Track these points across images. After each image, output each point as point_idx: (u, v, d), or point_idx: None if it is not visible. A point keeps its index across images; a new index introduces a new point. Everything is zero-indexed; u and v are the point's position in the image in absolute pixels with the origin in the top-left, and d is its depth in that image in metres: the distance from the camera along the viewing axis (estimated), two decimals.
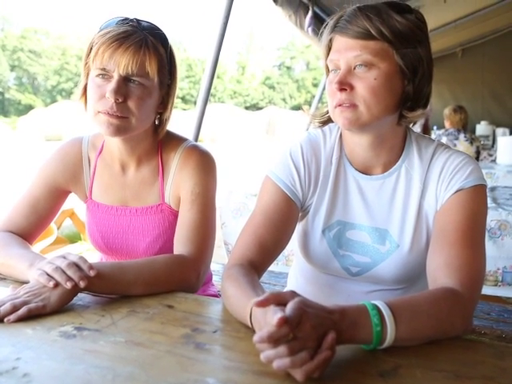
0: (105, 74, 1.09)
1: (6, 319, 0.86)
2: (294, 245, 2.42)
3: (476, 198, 0.98)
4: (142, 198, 1.24)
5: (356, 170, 1.08)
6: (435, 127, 5.95)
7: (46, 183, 1.23)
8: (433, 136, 4.84)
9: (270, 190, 1.07)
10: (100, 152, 1.25)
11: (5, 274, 1.10)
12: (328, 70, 1.05)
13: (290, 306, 0.69)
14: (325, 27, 1.03)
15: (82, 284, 0.93)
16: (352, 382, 0.71)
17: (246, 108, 35.74)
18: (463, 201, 0.97)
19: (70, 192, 1.28)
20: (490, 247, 2.14)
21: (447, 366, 0.77)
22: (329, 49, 1.02)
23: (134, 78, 1.09)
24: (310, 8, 2.89)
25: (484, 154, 5.33)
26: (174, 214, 1.22)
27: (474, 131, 6.36)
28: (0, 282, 1.08)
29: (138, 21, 1.13)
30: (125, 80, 1.09)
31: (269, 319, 0.69)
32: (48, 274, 0.93)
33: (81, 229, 4.21)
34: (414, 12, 0.99)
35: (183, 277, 1.07)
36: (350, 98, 0.96)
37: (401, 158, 1.06)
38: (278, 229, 1.04)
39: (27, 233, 1.21)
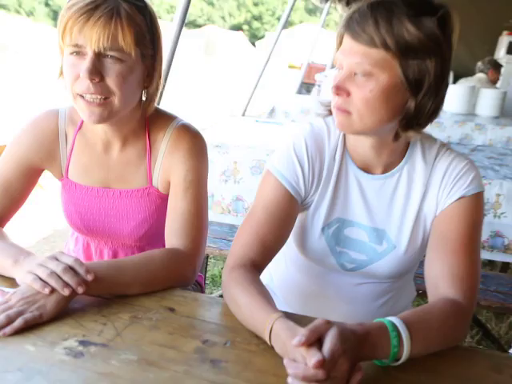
0: (78, 52, 0.98)
1: (1, 332, 0.82)
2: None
3: (477, 206, 1.01)
4: (126, 180, 1.17)
5: (358, 167, 1.07)
6: None
7: (19, 163, 1.13)
8: None
9: (272, 186, 1.04)
10: (79, 128, 1.15)
11: None
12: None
13: (328, 347, 0.70)
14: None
15: (80, 290, 0.89)
16: None
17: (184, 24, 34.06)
18: (465, 209, 1.00)
19: (44, 170, 1.19)
20: None
21: (453, 382, 0.82)
22: (340, 43, 0.97)
23: (108, 53, 0.98)
24: None
25: None
26: (162, 198, 1.17)
27: None
28: None
29: None
30: (99, 56, 0.98)
31: (311, 360, 0.69)
32: (42, 280, 0.88)
33: None
34: (440, 14, 0.93)
35: (180, 273, 1.05)
36: (345, 105, 0.94)
37: (403, 160, 1.06)
38: (280, 227, 1.03)
39: (0, 217, 1.13)
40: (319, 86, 6.21)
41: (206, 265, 2.48)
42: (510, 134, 3.89)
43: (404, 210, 1.06)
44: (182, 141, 1.14)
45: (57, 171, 1.19)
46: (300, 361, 0.71)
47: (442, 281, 0.96)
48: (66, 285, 0.88)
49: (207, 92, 12.94)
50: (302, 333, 0.72)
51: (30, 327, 0.85)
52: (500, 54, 6.17)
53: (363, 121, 0.94)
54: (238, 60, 21.72)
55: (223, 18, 41.70)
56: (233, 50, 23.89)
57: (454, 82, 5.96)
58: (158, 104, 1.24)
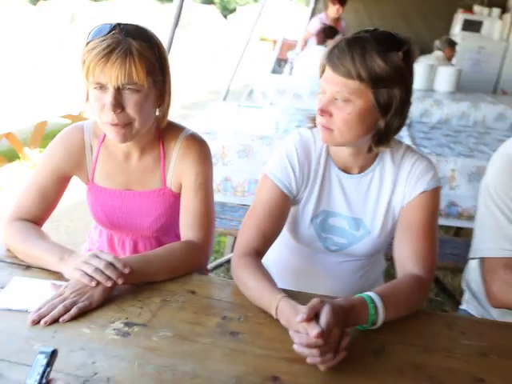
0: (101, 87, 1.09)
1: (61, 319, 0.96)
2: (243, 178, 2.58)
3: (435, 199, 1.17)
4: (144, 183, 1.30)
5: (339, 169, 1.22)
6: None
7: (53, 172, 1.25)
8: None
9: (269, 187, 1.19)
10: (102, 141, 1.27)
11: (31, 263, 1.15)
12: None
13: (324, 320, 0.86)
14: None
15: (119, 281, 1.03)
16: (353, 361, 0.91)
17: None
18: (426, 201, 1.16)
19: (73, 176, 1.31)
20: None
21: (417, 340, 1.00)
22: (323, 71, 1.11)
23: (126, 86, 1.09)
24: None
25: None
26: (175, 196, 1.30)
27: None
28: (26, 272, 1.13)
29: (120, 28, 1.10)
30: (119, 90, 1.09)
31: (312, 333, 0.84)
32: (88, 275, 1.02)
33: (18, 148, 4.03)
34: (404, 47, 1.06)
35: (196, 261, 1.20)
36: (328, 124, 1.09)
37: (376, 162, 1.21)
38: (276, 221, 1.18)
39: (38, 218, 1.24)
40: (291, 63, 6.27)
41: None
42: (464, 108, 4.04)
43: (377, 203, 1.22)
44: (191, 149, 1.27)
45: (84, 177, 1.31)
46: (303, 332, 0.87)
47: (407, 261, 1.13)
48: (108, 278, 1.02)
49: (184, 65, 12.73)
50: (303, 311, 0.88)
51: (83, 314, 0.98)
52: (455, 30, 6.31)
53: (343, 136, 1.09)
54: (211, 33, 21.27)
55: None
56: (205, 23, 23.34)
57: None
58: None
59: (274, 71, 7.03)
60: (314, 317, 0.88)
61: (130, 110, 1.11)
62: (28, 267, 1.15)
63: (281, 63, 8.28)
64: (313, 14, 7.06)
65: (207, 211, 1.25)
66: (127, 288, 1.08)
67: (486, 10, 6.20)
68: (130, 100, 1.10)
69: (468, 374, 0.91)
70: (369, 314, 0.96)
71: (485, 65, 6.11)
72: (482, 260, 1.21)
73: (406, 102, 1.10)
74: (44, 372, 0.72)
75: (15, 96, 4.29)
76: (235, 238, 2.65)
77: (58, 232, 3.16)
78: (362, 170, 1.22)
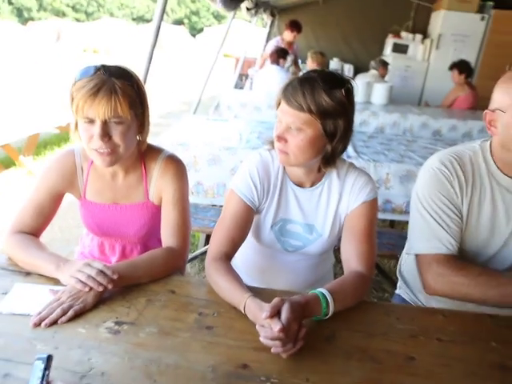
0: (90, 121, 1.08)
1: (59, 321, 0.94)
2: (213, 182, 2.58)
3: (373, 208, 1.21)
4: (129, 197, 1.28)
5: (294, 183, 1.23)
6: (300, 62, 6.09)
7: (48, 191, 1.21)
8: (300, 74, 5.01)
9: (235, 201, 1.19)
10: (92, 163, 1.24)
11: (30, 270, 1.12)
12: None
13: (284, 317, 0.87)
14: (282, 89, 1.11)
15: (109, 286, 1.01)
16: (309, 348, 0.93)
17: (133, 19, 32.14)
18: (367, 210, 1.19)
19: (66, 193, 1.27)
20: None
21: (362, 327, 1.03)
22: (279, 103, 1.12)
23: (112, 120, 1.08)
24: None
25: None
26: (156, 208, 1.29)
27: (328, 65, 6.64)
28: (27, 278, 1.10)
29: (104, 69, 1.08)
30: (105, 123, 1.08)
31: (275, 328, 0.85)
32: (82, 282, 1.00)
33: (14, 157, 3.88)
34: (345, 85, 1.09)
35: (175, 265, 1.19)
36: (284, 148, 1.11)
37: (324, 177, 1.23)
38: (242, 228, 1.19)
39: (36, 230, 1.21)
40: (251, 79, 6.25)
41: None
42: (395, 118, 4.14)
43: (326, 211, 1.25)
44: (170, 168, 1.26)
45: (77, 194, 1.28)
46: (267, 327, 0.89)
47: (352, 260, 1.16)
48: (100, 284, 1.01)
49: (158, 79, 12.51)
50: (266, 309, 0.89)
51: (78, 315, 0.97)
52: (387, 51, 6.43)
53: (297, 159, 1.11)
54: (181, 51, 20.96)
55: (167, 13, 39.60)
56: (176, 43, 22.98)
57: (354, 75, 6.20)
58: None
59: (236, 85, 6.99)
60: (276, 314, 0.89)
61: (116, 138, 1.09)
62: (28, 274, 1.12)
63: (242, 78, 8.25)
64: (268, 36, 7.06)
65: (184, 222, 1.25)
66: (116, 290, 1.07)
67: (410, 36, 6.33)
68: (116, 130, 1.09)
69: (402, 354, 0.95)
70: (321, 307, 0.99)
71: (411, 81, 6.28)
72: (417, 256, 1.23)
73: (348, 130, 1.13)
74: (43, 376, 0.71)
75: (9, 110, 4.12)
76: (207, 234, 2.68)
77: (52, 230, 3.06)
78: (313, 184, 1.24)
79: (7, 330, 0.92)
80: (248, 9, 4.46)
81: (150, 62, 2.68)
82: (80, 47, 17.97)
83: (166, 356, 0.88)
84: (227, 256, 1.15)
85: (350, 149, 2.68)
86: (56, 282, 1.07)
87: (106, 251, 1.38)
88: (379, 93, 4.56)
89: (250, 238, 1.31)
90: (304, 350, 0.91)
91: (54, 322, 0.94)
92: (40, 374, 0.71)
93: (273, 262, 1.33)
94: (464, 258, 1.23)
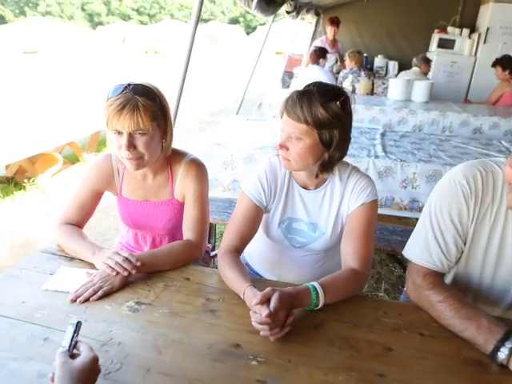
0: (118, 132, 1.21)
1: (91, 299, 1.09)
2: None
3: (372, 209, 1.25)
4: (158, 195, 1.42)
5: (299, 186, 1.31)
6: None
7: (89, 189, 1.38)
8: (341, 74, 4.96)
9: (246, 201, 1.29)
10: (125, 166, 1.39)
11: (74, 256, 1.29)
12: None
13: (273, 305, 0.96)
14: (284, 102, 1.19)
15: (133, 272, 1.16)
16: (297, 333, 1.02)
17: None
18: (365, 211, 1.24)
19: (105, 191, 1.43)
20: (379, 184, 2.49)
21: (349, 318, 1.10)
22: (282, 115, 1.20)
23: (136, 132, 1.21)
24: None
25: (378, 82, 5.57)
26: (180, 205, 1.42)
27: (372, 63, 6.51)
28: (71, 262, 1.27)
29: (130, 88, 1.20)
30: (131, 134, 1.21)
31: (263, 314, 0.95)
32: (111, 267, 1.15)
33: (78, 153, 4.22)
34: (341, 98, 1.14)
35: (192, 255, 1.32)
36: (286, 155, 1.19)
37: (327, 181, 1.30)
38: (252, 226, 1.29)
39: (79, 223, 1.38)
40: (296, 77, 6.27)
41: (215, 231, 2.75)
42: (434, 116, 4.03)
43: (329, 211, 1.31)
44: (191, 171, 1.38)
45: (114, 191, 1.44)
46: (257, 313, 0.99)
47: (348, 257, 1.22)
48: (125, 269, 1.15)
49: (214, 76, 12.77)
50: (257, 297, 0.99)
51: (106, 295, 1.12)
52: (433, 48, 6.19)
53: (298, 165, 1.19)
54: (236, 48, 21.17)
55: (223, 12, 40.17)
56: (232, 41, 23.23)
57: (399, 71, 6.04)
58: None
59: (283, 83, 7.02)
60: (266, 301, 0.98)
61: (141, 148, 1.23)
62: (72, 259, 1.29)
63: (291, 75, 8.25)
64: (314, 34, 7.02)
65: (202, 218, 1.37)
66: (139, 276, 1.21)
67: (457, 31, 6.05)
68: (140, 141, 1.22)
69: (381, 345, 1.01)
70: (311, 299, 1.06)
71: (457, 77, 6.01)
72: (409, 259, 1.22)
73: (344, 139, 1.18)
74: (73, 337, 0.85)
75: (75, 110, 4.45)
76: None
77: (108, 220, 3.33)
78: (317, 186, 1.31)
79: (50, 304, 1.08)
80: (288, 12, 4.48)
81: (187, 64, 2.75)
82: (142, 49, 18.73)
83: (173, 333, 1.01)
84: (237, 250, 1.25)
85: (378, 148, 2.67)
86: (93, 266, 1.23)
87: (140, 242, 1.54)
88: (419, 90, 4.44)
89: (262, 235, 1.41)
90: (291, 335, 1.00)
91: (87, 300, 1.09)
92: (70, 335, 0.85)
93: (282, 256, 1.42)
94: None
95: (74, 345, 0.84)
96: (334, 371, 0.92)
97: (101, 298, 1.11)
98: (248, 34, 26.79)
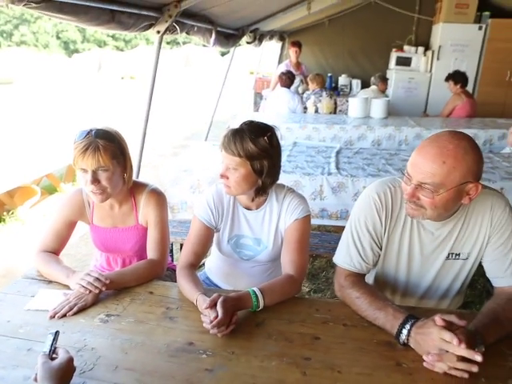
0: (83, 170, 1.43)
1: (68, 314, 1.28)
2: None
3: (305, 224, 1.48)
4: (124, 222, 1.63)
5: (243, 207, 1.54)
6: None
7: (63, 220, 1.58)
8: (304, 96, 5.29)
9: (198, 223, 1.51)
10: None
11: (51, 279, 1.48)
12: None
13: (219, 310, 1.17)
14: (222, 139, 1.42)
15: (103, 289, 1.35)
16: (241, 330, 1.22)
17: (167, 43, 33.32)
18: (299, 226, 1.47)
19: (78, 221, 1.63)
20: (333, 198, 2.74)
21: (286, 316, 1.31)
22: (221, 150, 1.42)
23: (99, 169, 1.42)
24: (214, 31, 3.11)
25: (343, 100, 5.91)
26: (145, 229, 1.63)
27: (337, 82, 6.88)
28: (49, 285, 1.46)
29: (93, 132, 1.42)
30: (94, 172, 1.42)
31: (211, 316, 1.16)
32: (84, 286, 1.35)
33: (56, 184, 4.38)
34: (268, 134, 1.38)
35: (155, 272, 1.52)
36: (227, 183, 1.42)
37: (266, 201, 1.53)
38: (204, 244, 1.50)
39: (56, 250, 1.57)
40: (265, 99, 6.57)
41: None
42: (390, 131, 4.32)
43: (269, 227, 1.54)
44: (152, 199, 1.59)
45: (86, 221, 1.64)
46: (207, 315, 1.19)
47: (287, 265, 1.44)
48: (96, 287, 1.35)
49: (188, 98, 13.01)
50: (206, 302, 1.20)
51: (81, 311, 1.31)
52: (391, 65, 6.60)
53: (237, 191, 1.42)
54: (211, 70, 21.56)
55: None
56: (206, 62, 23.66)
57: (362, 87, 6.41)
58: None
59: (255, 103, 7.30)
60: (213, 305, 1.20)
61: (104, 182, 1.44)
62: (50, 282, 1.48)
63: (262, 97, 8.55)
64: (280, 58, 7.38)
65: (163, 239, 1.58)
66: (110, 292, 1.41)
67: (413, 49, 6.48)
68: (103, 176, 1.43)
69: (311, 335, 1.22)
70: (252, 301, 1.28)
71: (415, 91, 6.42)
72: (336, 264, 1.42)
73: (274, 168, 1.42)
74: (52, 344, 1.04)
75: (51, 141, 4.62)
76: None
77: (86, 247, 3.48)
78: (258, 207, 1.54)
79: (32, 321, 1.27)
80: (248, 42, 4.78)
81: (151, 94, 2.98)
82: (119, 75, 18.99)
83: (137, 337, 1.21)
84: (192, 265, 1.47)
85: (332, 165, 2.92)
86: (68, 287, 1.42)
87: (112, 264, 1.74)
88: (377, 108, 4.77)
89: (216, 251, 1.63)
90: (236, 332, 1.21)
91: (64, 315, 1.29)
92: (50, 342, 1.04)
93: (234, 268, 1.64)
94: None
95: (53, 350, 1.04)
96: (269, 358, 1.14)
97: (76, 313, 1.30)
98: (223, 55, 27.27)
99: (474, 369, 1.01)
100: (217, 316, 1.16)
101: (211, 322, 1.16)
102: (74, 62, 20.72)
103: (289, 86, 5.13)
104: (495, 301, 1.25)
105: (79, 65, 19.88)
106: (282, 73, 5.14)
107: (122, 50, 26.78)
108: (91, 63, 20.05)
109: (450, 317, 1.08)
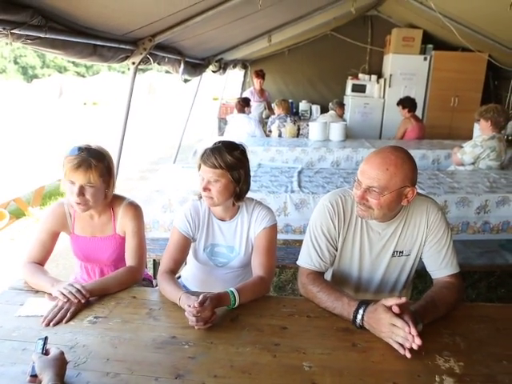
0: (72, 182, 1.58)
1: (63, 321, 1.39)
2: None
3: (272, 231, 1.68)
4: (103, 232, 1.77)
5: (217, 218, 1.73)
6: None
7: (47, 231, 1.70)
8: (270, 120, 5.59)
9: (176, 233, 1.68)
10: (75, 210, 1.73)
11: (36, 288, 1.58)
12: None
13: (207, 302, 1.33)
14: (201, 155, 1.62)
15: (83, 300, 1.46)
16: (218, 325, 1.39)
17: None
18: (267, 233, 1.67)
19: (60, 232, 1.75)
20: (297, 214, 2.97)
21: (258, 311, 1.48)
22: (200, 166, 1.62)
23: (86, 185, 1.58)
24: (182, 62, 3.36)
25: (304, 124, 6.26)
26: (122, 239, 1.77)
27: (298, 107, 7.27)
28: (36, 294, 1.57)
29: (87, 149, 1.58)
30: (82, 186, 1.58)
31: (193, 311, 1.32)
32: (64, 294, 1.45)
33: (24, 208, 4.38)
34: (240, 148, 1.60)
35: (134, 278, 1.66)
36: (209, 195, 1.61)
37: (238, 213, 1.73)
38: (182, 252, 1.67)
39: (41, 261, 1.68)
40: (228, 124, 6.83)
41: (157, 266, 3.06)
42: (348, 153, 4.66)
43: (241, 236, 1.73)
44: (130, 211, 1.74)
45: (67, 231, 1.77)
46: (192, 309, 1.32)
47: (256, 268, 1.63)
48: (76, 297, 1.45)
49: (153, 124, 13.12)
50: (192, 299, 1.36)
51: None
52: (348, 91, 7.07)
53: (219, 200, 1.61)
54: (174, 96, 21.81)
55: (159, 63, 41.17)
56: (169, 89, 23.93)
57: (321, 112, 6.81)
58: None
59: (219, 128, 7.54)
60: (203, 302, 1.35)
61: (88, 196, 1.59)
62: (37, 291, 1.58)
63: (225, 122, 8.81)
64: (243, 84, 7.72)
65: (140, 247, 1.73)
66: (96, 299, 1.54)
67: (367, 77, 6.99)
68: (88, 191, 1.59)
69: (279, 326, 1.40)
70: (230, 300, 1.45)
71: (370, 116, 6.88)
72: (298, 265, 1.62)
73: (248, 176, 1.64)
74: (43, 348, 1.17)
75: (17, 166, 4.63)
76: None
77: (58, 268, 3.52)
78: (231, 218, 1.73)
79: (24, 325, 1.38)
80: (214, 71, 5.06)
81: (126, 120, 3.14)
82: (81, 101, 18.86)
83: (125, 334, 1.35)
84: (171, 270, 1.63)
85: (295, 184, 3.15)
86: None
87: (90, 273, 1.86)
88: (335, 131, 5.10)
89: (193, 260, 1.80)
90: (214, 327, 1.38)
91: (58, 323, 1.39)
92: (41, 347, 1.17)
93: (209, 275, 1.81)
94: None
95: (44, 352, 1.16)
96: (243, 345, 1.31)
97: (69, 320, 1.41)
98: (185, 81, 27.57)
99: (415, 346, 1.22)
100: (203, 305, 1.31)
101: (197, 312, 1.31)
102: (33, 88, 20.41)
103: (244, 112, 5.42)
104: (432, 289, 1.49)
105: (39, 91, 19.60)
106: (237, 100, 5.44)
107: (83, 76, 26.60)
108: (52, 89, 19.83)
109: (394, 300, 1.30)
